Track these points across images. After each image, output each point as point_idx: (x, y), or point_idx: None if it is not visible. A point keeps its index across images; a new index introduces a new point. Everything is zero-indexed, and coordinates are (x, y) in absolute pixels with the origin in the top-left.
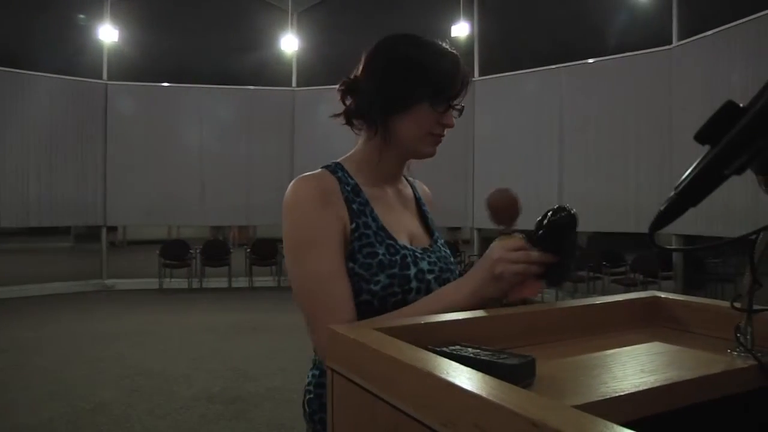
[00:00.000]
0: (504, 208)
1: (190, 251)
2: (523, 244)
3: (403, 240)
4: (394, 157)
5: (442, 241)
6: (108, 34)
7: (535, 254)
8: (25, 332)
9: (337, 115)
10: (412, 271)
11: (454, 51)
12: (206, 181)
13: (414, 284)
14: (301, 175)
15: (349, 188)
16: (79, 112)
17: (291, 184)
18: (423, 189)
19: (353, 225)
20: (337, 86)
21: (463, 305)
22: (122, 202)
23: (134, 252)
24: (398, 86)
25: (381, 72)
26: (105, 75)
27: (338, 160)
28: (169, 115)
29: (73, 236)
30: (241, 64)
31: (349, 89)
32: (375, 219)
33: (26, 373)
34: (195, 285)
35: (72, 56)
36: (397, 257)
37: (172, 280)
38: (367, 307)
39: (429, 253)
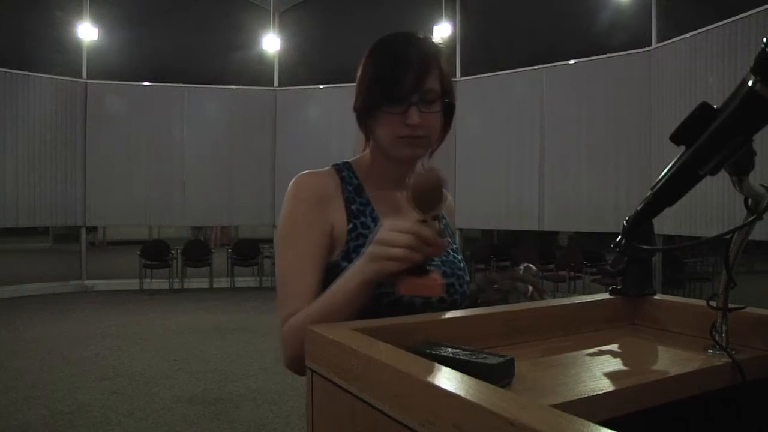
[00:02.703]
0: (425, 192)
1: (171, 252)
2: (413, 225)
3: None
4: (385, 161)
5: (454, 247)
6: (87, 32)
7: (426, 231)
8: (2, 334)
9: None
10: None
11: (415, 40)
12: (187, 181)
13: None
14: (304, 171)
15: (351, 188)
16: (58, 111)
17: (294, 178)
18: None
19: (350, 225)
20: (319, 86)
21: (353, 296)
22: (102, 202)
23: (114, 252)
24: (361, 91)
25: (356, 82)
26: (84, 74)
27: (350, 160)
28: (150, 115)
29: (51, 236)
30: (223, 64)
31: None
32: (375, 219)
33: (3, 376)
34: (176, 286)
35: (51, 54)
36: None
37: (153, 280)
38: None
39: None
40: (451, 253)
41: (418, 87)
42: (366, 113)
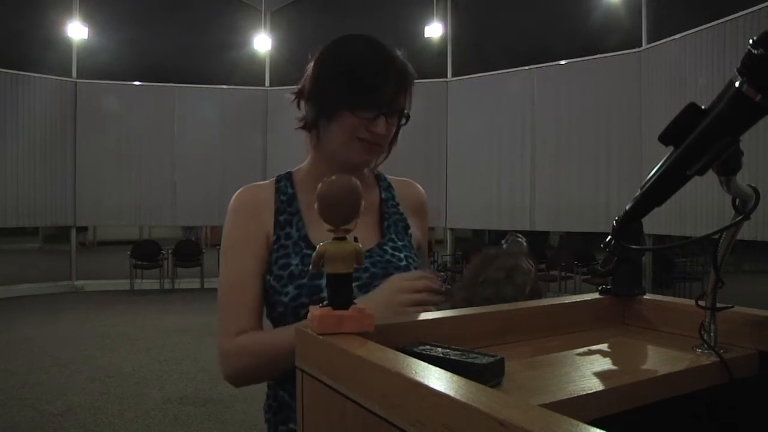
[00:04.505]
0: (336, 202)
1: (162, 252)
2: (422, 273)
3: None
4: (327, 165)
5: (401, 244)
6: (77, 31)
7: (436, 281)
8: None
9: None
10: (324, 280)
11: (396, 55)
12: (178, 180)
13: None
14: (247, 185)
15: (284, 198)
16: (48, 110)
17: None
18: (409, 191)
19: (275, 237)
20: None
21: None
22: (92, 202)
23: (104, 253)
24: (324, 92)
25: (314, 77)
26: (74, 73)
27: (293, 169)
28: (141, 115)
29: (41, 237)
30: (214, 63)
31: (299, 96)
32: (299, 229)
33: None
34: (167, 286)
35: (40, 53)
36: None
37: (144, 281)
38: (283, 320)
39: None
40: (389, 251)
41: (394, 100)
42: (326, 110)
